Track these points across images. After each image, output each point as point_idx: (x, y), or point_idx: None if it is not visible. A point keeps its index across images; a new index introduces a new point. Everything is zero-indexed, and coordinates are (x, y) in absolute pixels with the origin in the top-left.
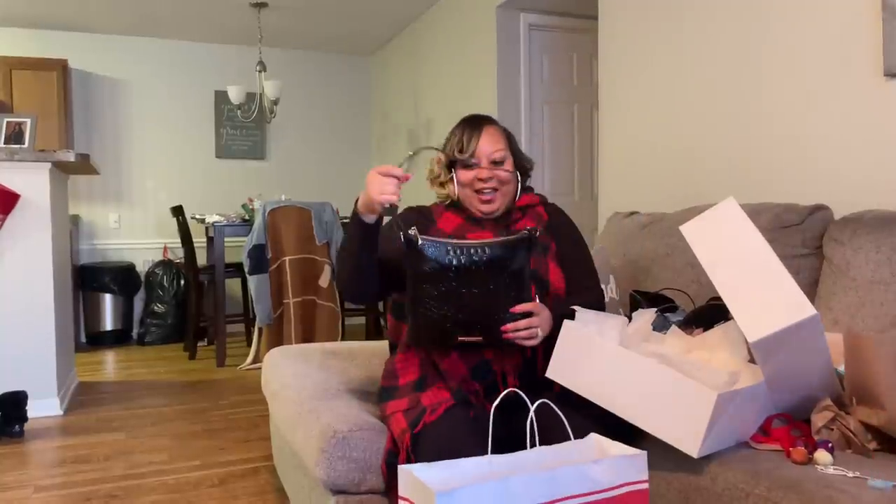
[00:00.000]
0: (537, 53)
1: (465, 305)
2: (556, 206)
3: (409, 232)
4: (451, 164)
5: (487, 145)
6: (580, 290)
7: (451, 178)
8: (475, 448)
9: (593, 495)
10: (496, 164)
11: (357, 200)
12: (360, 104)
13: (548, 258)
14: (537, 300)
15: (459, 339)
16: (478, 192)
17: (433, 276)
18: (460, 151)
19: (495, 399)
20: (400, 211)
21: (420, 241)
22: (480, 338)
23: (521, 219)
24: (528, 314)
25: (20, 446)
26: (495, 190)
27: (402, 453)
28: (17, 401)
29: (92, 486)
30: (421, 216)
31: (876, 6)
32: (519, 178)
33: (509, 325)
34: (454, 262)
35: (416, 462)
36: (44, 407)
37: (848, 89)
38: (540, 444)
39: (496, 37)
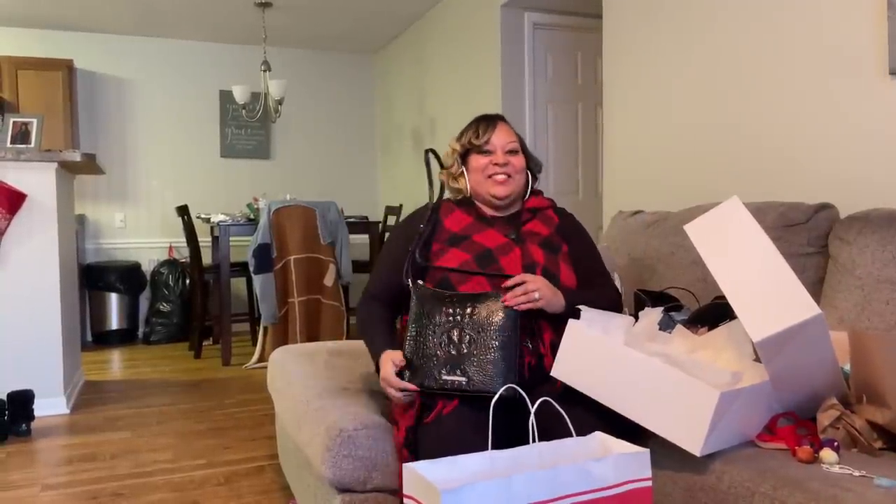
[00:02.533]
0: (541, 52)
1: (457, 344)
2: (565, 210)
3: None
4: (464, 158)
5: (502, 137)
6: (596, 286)
7: (463, 172)
8: (480, 446)
9: (597, 493)
10: (510, 153)
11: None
12: (365, 103)
13: (559, 258)
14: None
15: (443, 377)
16: (490, 176)
17: (431, 325)
18: (476, 138)
19: (502, 395)
20: (404, 218)
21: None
22: (464, 379)
23: (530, 219)
24: (518, 284)
25: (27, 445)
26: (509, 176)
27: (402, 435)
28: (24, 400)
29: (98, 485)
30: (427, 223)
31: (881, 5)
32: (529, 177)
33: (507, 296)
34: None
35: (418, 454)
36: (50, 406)
37: (853, 88)
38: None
39: (500, 36)
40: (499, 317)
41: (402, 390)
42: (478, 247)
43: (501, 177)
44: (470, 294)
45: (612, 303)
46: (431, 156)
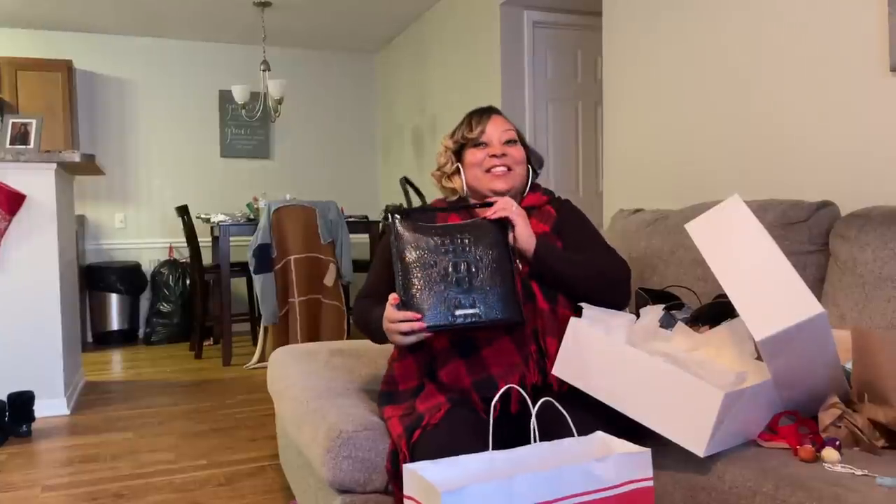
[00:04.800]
0: (541, 51)
1: (460, 277)
2: (562, 201)
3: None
4: (458, 155)
5: (497, 127)
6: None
7: (458, 170)
8: (475, 449)
9: (598, 493)
10: (508, 144)
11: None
12: (365, 102)
13: None
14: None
15: (457, 313)
16: (489, 170)
17: (423, 260)
18: (470, 131)
19: (497, 405)
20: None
21: (404, 229)
22: (477, 310)
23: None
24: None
25: (28, 446)
26: (509, 169)
27: (401, 456)
28: (24, 401)
29: (99, 486)
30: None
31: (882, 1)
32: (529, 171)
33: (486, 213)
34: (439, 242)
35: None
36: (51, 406)
37: (854, 84)
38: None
39: (500, 34)
40: (489, 241)
41: (407, 329)
42: None
43: (501, 169)
44: (456, 224)
45: (605, 265)
46: (408, 185)
